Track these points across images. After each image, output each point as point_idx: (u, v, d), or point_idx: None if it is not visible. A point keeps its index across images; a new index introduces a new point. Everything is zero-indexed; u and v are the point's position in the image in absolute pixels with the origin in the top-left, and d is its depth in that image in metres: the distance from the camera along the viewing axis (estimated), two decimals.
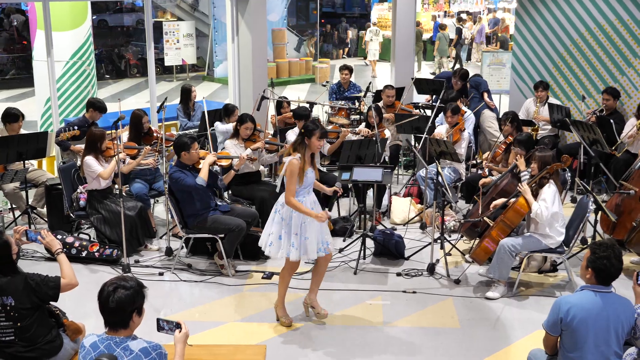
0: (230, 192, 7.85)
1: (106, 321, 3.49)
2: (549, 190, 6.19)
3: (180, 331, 3.70)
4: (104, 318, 3.48)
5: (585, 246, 7.34)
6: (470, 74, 10.70)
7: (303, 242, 5.55)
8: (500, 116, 8.95)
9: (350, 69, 10.95)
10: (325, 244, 5.68)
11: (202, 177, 6.68)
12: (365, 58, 24.34)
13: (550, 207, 6.10)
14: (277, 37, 21.32)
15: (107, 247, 7.11)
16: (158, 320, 3.74)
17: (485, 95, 10.18)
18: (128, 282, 3.48)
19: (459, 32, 23.10)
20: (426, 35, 24.56)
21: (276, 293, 5.93)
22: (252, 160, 7.55)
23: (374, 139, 7.85)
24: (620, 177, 7.70)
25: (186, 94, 9.78)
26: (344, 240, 7.62)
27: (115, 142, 7.03)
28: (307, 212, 5.49)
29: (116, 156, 6.91)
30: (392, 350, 5.48)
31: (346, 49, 27.34)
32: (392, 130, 9.11)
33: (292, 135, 8.14)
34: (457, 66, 22.14)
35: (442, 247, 7.14)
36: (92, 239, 7.38)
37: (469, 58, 23.98)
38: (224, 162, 7.29)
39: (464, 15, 25.64)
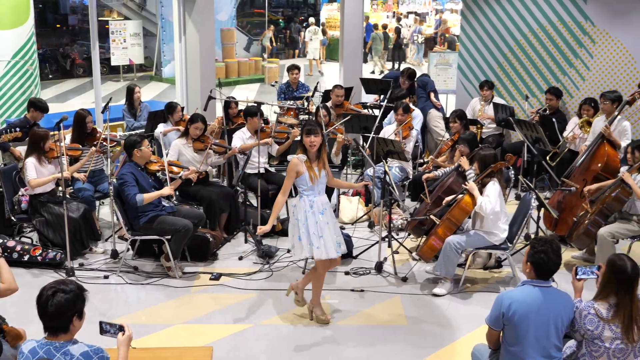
0: (177, 192, 7.78)
1: (45, 326, 3.42)
2: (493, 187, 6.30)
3: (123, 334, 3.65)
4: (43, 323, 3.41)
5: (528, 242, 7.48)
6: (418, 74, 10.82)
7: (322, 241, 5.58)
8: (447, 115, 9.08)
9: (299, 69, 10.98)
10: (337, 244, 5.69)
11: (145, 199, 6.55)
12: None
13: (493, 202, 6.21)
14: (226, 36, 21.24)
15: (50, 250, 6.97)
16: (101, 323, 3.68)
17: (432, 95, 10.30)
18: (67, 286, 3.42)
19: (397, 32, 23.36)
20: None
21: (225, 294, 5.91)
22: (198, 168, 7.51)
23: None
24: (562, 174, 7.89)
25: (130, 94, 9.67)
26: None
27: (58, 143, 6.89)
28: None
29: (59, 159, 6.79)
30: (341, 349, 5.51)
31: (296, 50, 27.39)
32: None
33: (239, 135, 8.08)
34: (397, 66, 22.48)
35: (389, 246, 7.21)
36: (34, 243, 7.23)
37: (425, 55, 24.27)
38: (175, 169, 7.21)
39: (411, 17, 25.97)
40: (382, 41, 22.66)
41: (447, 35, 24.42)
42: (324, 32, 24.99)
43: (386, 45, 23.32)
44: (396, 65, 22.89)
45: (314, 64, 23.01)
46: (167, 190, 6.70)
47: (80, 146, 7.65)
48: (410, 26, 24.83)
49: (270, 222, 5.65)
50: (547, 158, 8.50)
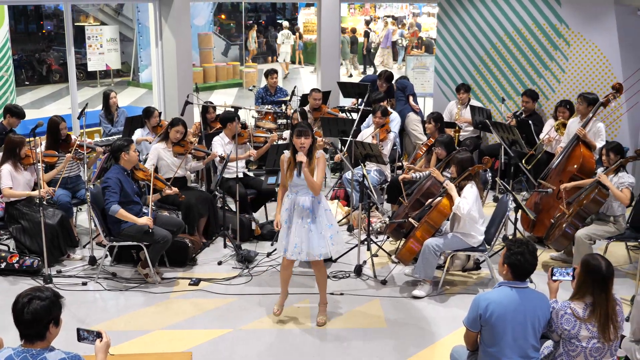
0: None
1: (22, 333, 3.38)
2: (471, 190, 6.35)
3: (101, 340, 3.63)
4: (19, 330, 3.37)
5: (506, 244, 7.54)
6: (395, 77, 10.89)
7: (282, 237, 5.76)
8: (425, 118, 9.13)
9: (278, 73, 10.99)
10: (295, 246, 5.68)
11: (119, 214, 6.50)
12: (294, 63, 24.51)
13: (471, 203, 6.25)
14: (204, 41, 21.17)
15: (27, 257, 6.90)
16: (78, 330, 3.66)
17: (411, 98, 10.37)
18: (43, 293, 3.39)
19: (366, 35, 23.47)
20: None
21: (204, 299, 5.93)
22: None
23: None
24: (539, 176, 7.96)
25: (106, 100, 9.62)
26: (272, 244, 7.62)
27: (34, 150, 6.82)
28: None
29: (35, 166, 6.73)
30: (321, 352, 5.52)
31: (275, 57, 27.37)
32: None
33: (218, 141, 8.05)
34: (372, 69, 22.58)
35: (368, 249, 7.23)
36: (11, 250, 7.17)
37: (403, 59, 24.38)
38: (159, 183, 7.15)
39: (380, 21, 26.13)
40: (349, 44, 22.85)
41: (423, 39, 24.59)
42: (300, 37, 25.04)
43: (355, 49, 23.45)
44: (370, 70, 23.02)
45: (284, 68, 23.05)
46: (144, 220, 6.54)
47: (56, 152, 7.60)
48: (381, 30, 24.95)
49: (277, 215, 5.87)
50: (524, 160, 8.58)
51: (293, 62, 24.38)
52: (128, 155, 6.70)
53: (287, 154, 5.73)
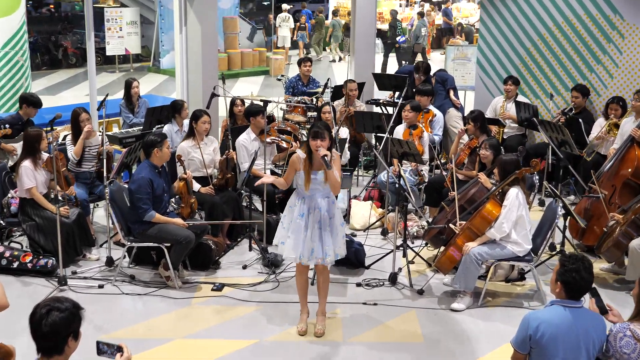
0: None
1: (39, 347, 3.37)
2: (516, 198, 6.21)
3: (122, 355, 3.60)
4: (36, 343, 3.36)
5: (554, 253, 7.43)
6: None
7: (289, 241, 5.76)
8: (466, 114, 9.00)
9: (312, 62, 10.96)
10: (310, 251, 5.69)
11: (157, 218, 6.61)
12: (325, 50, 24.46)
13: (513, 219, 6.18)
14: (229, 25, 21.14)
15: (41, 257, 6.92)
16: (98, 343, 3.63)
17: (452, 92, 10.23)
18: (63, 304, 3.38)
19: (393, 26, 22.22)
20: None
21: (228, 306, 5.94)
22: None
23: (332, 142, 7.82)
24: (589, 179, 7.82)
25: (128, 89, 9.62)
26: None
27: (53, 144, 6.82)
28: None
29: (54, 168, 6.77)
30: None
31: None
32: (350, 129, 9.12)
33: (243, 143, 7.97)
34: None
35: (404, 255, 7.15)
36: (24, 248, 7.20)
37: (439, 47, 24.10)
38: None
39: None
40: (342, 28, 22.85)
41: (463, 25, 24.32)
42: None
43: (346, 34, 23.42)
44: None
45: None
46: (179, 220, 6.76)
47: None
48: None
49: (270, 179, 6.02)
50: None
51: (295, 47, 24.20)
52: (161, 152, 6.68)
53: (300, 154, 5.69)
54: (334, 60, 23.31)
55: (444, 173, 8.02)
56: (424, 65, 10.47)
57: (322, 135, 5.53)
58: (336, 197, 5.90)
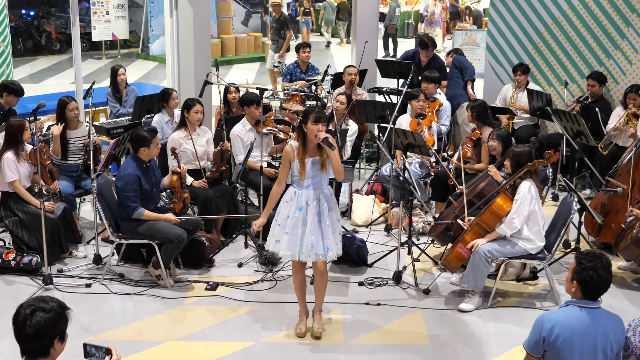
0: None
1: (23, 349, 3.38)
2: (528, 191, 6.21)
3: (110, 358, 3.61)
4: (20, 346, 3.37)
5: (568, 250, 7.44)
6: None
7: (286, 237, 5.73)
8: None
9: (310, 47, 10.96)
10: (311, 246, 5.67)
11: (146, 215, 6.61)
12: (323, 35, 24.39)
13: (524, 214, 6.19)
14: (222, 9, 21.12)
15: (25, 254, 6.93)
16: (85, 345, 3.64)
17: (469, 85, 10.20)
18: (48, 304, 3.38)
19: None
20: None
21: (222, 306, 5.94)
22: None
23: (334, 130, 7.82)
24: (606, 172, 7.81)
25: (114, 76, 9.61)
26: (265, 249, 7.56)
27: (37, 134, 6.81)
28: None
29: (37, 161, 6.76)
30: None
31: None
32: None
33: (238, 133, 7.97)
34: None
35: (409, 253, 7.16)
36: (7, 245, 7.21)
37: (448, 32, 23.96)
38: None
39: None
40: (335, 11, 22.89)
41: (472, 9, 24.26)
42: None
43: (347, 17, 23.47)
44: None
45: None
46: (171, 216, 6.74)
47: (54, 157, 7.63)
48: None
49: (264, 214, 5.91)
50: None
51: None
52: (149, 150, 6.67)
53: (293, 144, 5.68)
54: (328, 45, 23.25)
55: (450, 166, 8.01)
56: (432, 40, 10.45)
57: (324, 119, 5.55)
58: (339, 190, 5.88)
